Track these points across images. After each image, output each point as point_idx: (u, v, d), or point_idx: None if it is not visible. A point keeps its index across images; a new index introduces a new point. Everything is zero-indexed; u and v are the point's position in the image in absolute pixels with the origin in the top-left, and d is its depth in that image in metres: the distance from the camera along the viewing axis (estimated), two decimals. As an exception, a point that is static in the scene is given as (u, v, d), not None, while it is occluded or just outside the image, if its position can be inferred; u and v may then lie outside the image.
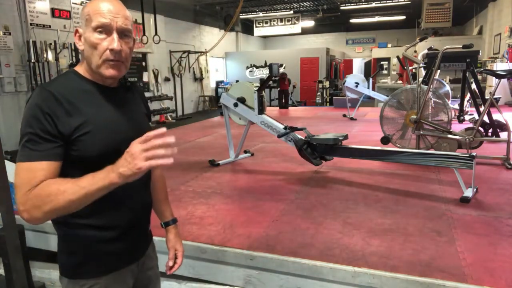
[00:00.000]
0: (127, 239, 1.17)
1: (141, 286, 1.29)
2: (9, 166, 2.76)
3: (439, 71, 4.22)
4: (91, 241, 1.11)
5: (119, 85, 1.19)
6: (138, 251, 1.25)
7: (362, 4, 12.99)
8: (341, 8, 13.54)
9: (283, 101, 12.40)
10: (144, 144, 0.89)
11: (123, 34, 1.12)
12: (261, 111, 3.85)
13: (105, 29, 1.07)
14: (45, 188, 0.96)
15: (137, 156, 0.89)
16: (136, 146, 0.90)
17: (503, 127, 4.00)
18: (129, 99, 1.22)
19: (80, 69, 1.13)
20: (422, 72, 5.06)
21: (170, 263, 1.36)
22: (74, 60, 7.55)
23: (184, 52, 11.75)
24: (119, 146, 1.02)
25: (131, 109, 1.20)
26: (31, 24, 6.85)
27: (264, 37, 18.45)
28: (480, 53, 4.44)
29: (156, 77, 10.65)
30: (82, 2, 8.06)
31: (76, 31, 1.11)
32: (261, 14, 14.27)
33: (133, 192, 1.12)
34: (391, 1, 12.46)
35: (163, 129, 0.91)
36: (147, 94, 10.17)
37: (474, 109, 4.45)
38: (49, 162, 1.00)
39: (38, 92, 1.04)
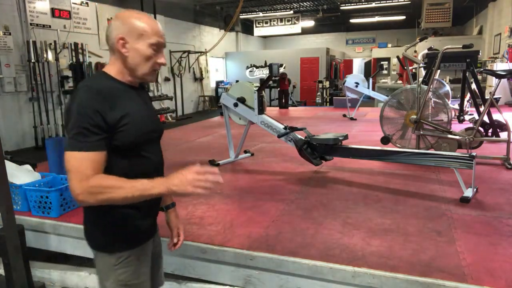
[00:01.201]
0: (150, 216, 1.40)
1: (153, 259, 1.49)
2: (9, 166, 2.76)
3: (439, 71, 4.22)
4: (126, 218, 1.30)
5: (139, 86, 1.40)
6: (155, 228, 1.49)
7: (362, 4, 12.99)
8: (341, 8, 13.54)
9: (283, 101, 12.40)
10: (198, 175, 1.13)
11: (163, 46, 1.38)
12: (261, 111, 3.85)
13: (158, 47, 1.32)
14: (104, 180, 1.16)
15: (190, 182, 1.12)
16: (191, 174, 1.13)
17: (503, 127, 4.00)
18: (147, 98, 1.45)
19: (111, 70, 1.31)
20: (422, 72, 5.06)
21: (175, 240, 1.56)
22: (74, 60, 7.54)
23: (184, 52, 11.75)
24: (147, 136, 1.30)
25: (150, 106, 1.45)
26: (31, 24, 6.85)
27: (264, 37, 18.45)
28: (480, 53, 4.44)
29: (156, 77, 10.65)
30: (82, 2, 8.06)
31: (122, 39, 1.27)
32: (261, 14, 14.27)
33: (158, 175, 1.26)
34: (391, 1, 12.47)
35: (216, 169, 1.17)
36: (147, 94, 10.18)
37: (474, 109, 4.45)
38: (96, 153, 1.17)
39: (86, 90, 1.22)
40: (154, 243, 1.49)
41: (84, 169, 1.15)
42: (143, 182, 1.16)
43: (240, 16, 13.44)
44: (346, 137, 3.47)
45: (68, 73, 7.52)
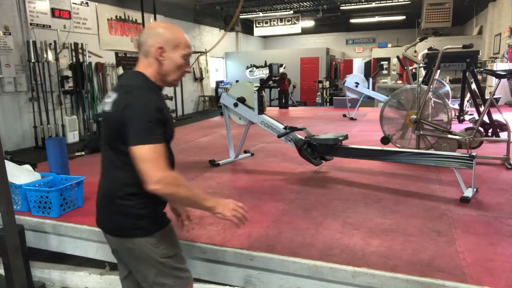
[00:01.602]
0: (165, 203, 1.57)
1: None
2: (9, 166, 2.76)
3: (439, 71, 4.22)
4: (156, 205, 1.50)
5: None
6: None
7: (362, 4, 12.99)
8: (341, 8, 13.53)
9: (283, 101, 12.39)
10: (237, 207, 1.47)
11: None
12: (261, 111, 3.86)
13: (188, 57, 1.55)
14: (179, 176, 1.38)
15: (230, 210, 1.45)
16: (232, 204, 1.47)
17: (503, 127, 4.00)
18: None
19: (148, 73, 1.49)
20: (422, 72, 5.06)
21: (186, 222, 1.81)
22: (74, 60, 7.54)
23: (184, 52, 11.75)
24: (172, 134, 1.54)
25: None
26: (31, 24, 6.85)
27: (264, 37, 18.44)
28: (480, 53, 4.44)
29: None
30: (82, 2, 8.06)
31: (161, 48, 1.47)
32: (261, 14, 14.26)
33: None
34: (391, 1, 12.46)
35: (245, 207, 1.50)
36: (147, 94, 10.18)
37: (474, 109, 4.45)
38: (163, 144, 1.37)
39: (145, 90, 1.43)
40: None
41: (161, 160, 1.35)
42: (201, 192, 1.45)
43: (240, 16, 13.43)
44: (346, 137, 3.47)
45: (68, 73, 7.52)
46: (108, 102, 1.47)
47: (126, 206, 1.46)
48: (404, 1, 12.32)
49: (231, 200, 1.49)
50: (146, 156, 1.32)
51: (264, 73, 14.95)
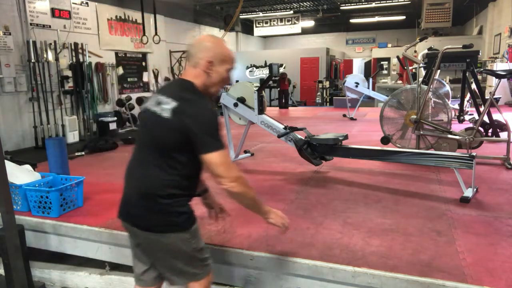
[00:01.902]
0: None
1: None
2: (9, 166, 2.76)
3: (439, 71, 4.22)
4: (186, 203, 1.63)
5: None
6: None
7: (362, 4, 12.98)
8: (341, 8, 13.53)
9: (283, 101, 12.39)
10: (284, 217, 1.78)
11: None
12: (261, 111, 3.85)
13: (231, 71, 1.69)
14: (246, 179, 1.61)
15: (280, 219, 1.77)
16: (281, 214, 1.78)
17: (503, 127, 4.00)
18: None
19: (197, 82, 1.63)
20: (422, 72, 5.06)
21: (220, 215, 2.02)
22: (74, 60, 7.54)
23: (184, 52, 11.74)
24: None
25: None
26: (31, 24, 6.85)
27: (264, 37, 18.44)
28: (480, 53, 4.44)
29: (156, 77, 10.64)
30: (82, 2, 8.06)
31: (210, 62, 1.61)
32: (261, 14, 14.26)
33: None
34: (391, 1, 12.45)
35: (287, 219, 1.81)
36: (147, 94, 10.17)
37: (474, 109, 4.45)
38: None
39: (206, 101, 1.61)
40: None
41: (232, 164, 1.58)
42: (260, 199, 1.73)
43: (240, 16, 13.43)
44: (346, 137, 3.47)
45: (68, 73, 7.52)
46: (165, 108, 1.54)
47: (166, 205, 1.56)
48: (404, 1, 12.32)
49: (278, 211, 1.79)
50: (221, 160, 1.53)
51: (264, 73, 14.94)
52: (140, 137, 1.70)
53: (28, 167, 3.09)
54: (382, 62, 14.53)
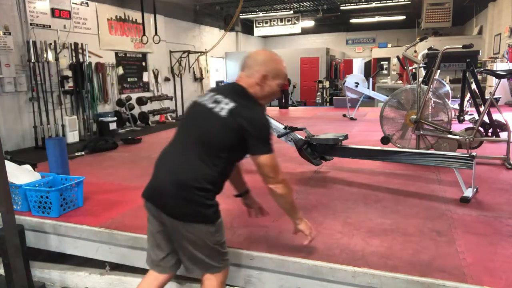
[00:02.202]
0: None
1: None
2: (9, 166, 2.76)
3: (439, 71, 4.22)
4: (215, 198, 1.72)
5: None
6: None
7: (362, 4, 12.98)
8: (341, 8, 13.53)
9: (283, 101, 12.39)
10: (312, 229, 1.94)
11: None
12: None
13: (282, 86, 1.85)
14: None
15: (309, 228, 1.93)
16: (310, 225, 1.95)
17: (503, 127, 4.00)
18: None
19: (252, 92, 1.77)
20: (422, 72, 5.06)
21: (260, 215, 2.16)
22: (74, 60, 7.55)
23: (184, 52, 11.74)
24: None
25: None
26: (31, 24, 6.85)
27: (264, 37, 18.44)
28: (480, 53, 4.44)
29: (156, 77, 10.64)
30: (82, 2, 8.06)
31: (265, 76, 1.76)
32: (261, 14, 14.26)
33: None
34: (391, 1, 12.45)
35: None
36: (147, 94, 10.17)
37: (474, 109, 4.45)
38: None
39: (261, 108, 1.81)
40: None
41: (280, 167, 1.77)
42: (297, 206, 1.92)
43: (240, 16, 13.42)
44: (346, 137, 3.47)
45: (68, 73, 7.52)
46: (223, 107, 1.68)
47: (200, 197, 1.64)
48: (404, 1, 12.31)
49: (308, 222, 1.95)
50: (271, 163, 1.71)
51: (264, 73, 14.92)
52: (185, 128, 1.79)
53: (28, 167, 3.09)
54: (382, 62, 14.54)
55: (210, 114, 1.68)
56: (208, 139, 1.67)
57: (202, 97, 1.79)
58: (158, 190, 1.70)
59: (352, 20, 16.17)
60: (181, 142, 1.75)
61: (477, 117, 4.04)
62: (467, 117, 4.84)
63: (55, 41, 7.18)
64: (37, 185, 2.82)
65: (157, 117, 10.14)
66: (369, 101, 9.92)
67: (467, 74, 4.30)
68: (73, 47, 7.57)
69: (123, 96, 8.99)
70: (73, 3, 7.85)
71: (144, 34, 8.43)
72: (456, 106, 5.35)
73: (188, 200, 1.63)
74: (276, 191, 1.76)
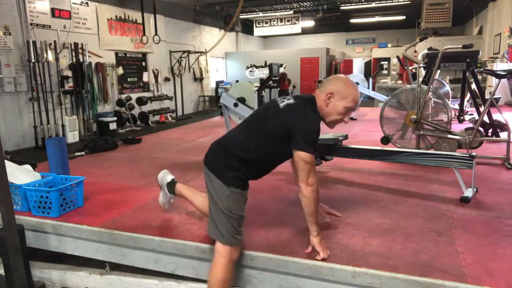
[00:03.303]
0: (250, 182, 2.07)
1: None
2: (9, 166, 2.76)
3: (439, 71, 4.22)
4: (244, 180, 1.97)
5: None
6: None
7: (362, 4, 12.98)
8: (341, 8, 13.53)
9: (283, 101, 12.34)
10: (324, 245, 2.00)
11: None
12: (261, 111, 3.85)
13: (349, 110, 1.94)
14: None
15: (321, 245, 1.98)
16: (324, 244, 2.01)
17: (503, 127, 4.00)
18: None
19: (318, 105, 1.95)
20: (422, 72, 5.06)
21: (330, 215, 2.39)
22: (74, 60, 7.55)
23: (184, 52, 11.74)
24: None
25: None
26: (31, 24, 6.85)
27: (264, 37, 18.45)
28: (480, 53, 4.44)
29: (156, 77, 10.64)
30: (82, 2, 8.06)
31: (331, 93, 1.91)
32: (261, 14, 14.26)
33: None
34: (391, 1, 12.45)
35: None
36: (147, 94, 10.17)
37: (474, 109, 4.45)
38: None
39: (319, 118, 1.95)
40: None
41: (315, 171, 1.90)
42: (318, 218, 1.99)
43: (240, 16, 13.42)
44: (346, 137, 3.47)
45: (68, 73, 7.52)
46: (284, 101, 1.93)
47: (229, 160, 1.91)
48: (404, 1, 12.32)
49: (323, 241, 2.02)
50: (307, 161, 1.84)
51: (264, 73, 14.94)
52: (251, 114, 2.13)
53: (28, 167, 3.09)
54: (382, 62, 14.55)
55: (273, 104, 1.96)
56: (261, 123, 1.95)
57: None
58: (209, 151, 2.04)
59: (352, 20, 16.17)
60: (243, 122, 2.07)
61: (477, 117, 4.04)
62: (467, 117, 4.85)
63: (55, 41, 7.19)
64: (37, 185, 2.82)
65: (157, 117, 10.15)
66: (369, 101, 9.92)
67: (467, 74, 4.30)
68: (73, 47, 7.57)
69: (123, 96, 8.99)
70: (73, 3, 7.86)
71: (144, 34, 8.44)
72: (456, 106, 5.35)
73: (222, 159, 1.93)
74: (302, 190, 1.88)
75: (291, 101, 1.93)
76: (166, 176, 2.55)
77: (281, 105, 1.91)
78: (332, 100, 1.91)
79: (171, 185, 2.51)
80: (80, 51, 7.67)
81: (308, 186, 1.87)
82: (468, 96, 5.32)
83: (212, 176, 1.92)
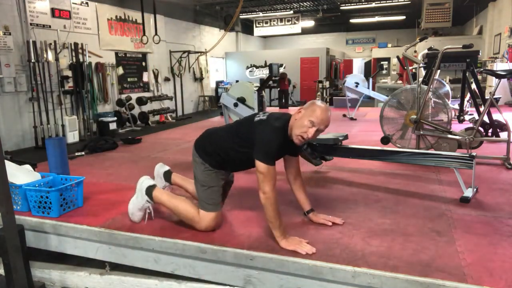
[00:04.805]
0: (226, 173, 2.51)
1: (225, 183, 2.52)
2: (9, 166, 2.76)
3: (439, 71, 4.22)
4: (217, 165, 2.37)
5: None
6: (229, 175, 2.61)
7: (362, 4, 12.99)
8: (341, 8, 13.54)
9: (283, 101, 12.39)
10: (300, 243, 2.08)
11: (319, 131, 2.14)
12: (261, 111, 3.85)
13: (312, 127, 2.08)
14: (276, 201, 2.16)
15: (293, 245, 2.07)
16: (297, 241, 2.10)
17: (503, 127, 4.00)
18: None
19: (291, 122, 2.16)
20: (422, 72, 5.06)
21: (329, 223, 2.41)
22: (74, 60, 7.55)
23: (184, 52, 11.75)
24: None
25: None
26: (31, 24, 6.85)
27: (264, 37, 18.45)
28: (480, 53, 4.44)
29: (156, 77, 10.65)
30: (82, 2, 8.06)
31: (300, 110, 2.16)
32: (261, 14, 14.27)
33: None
34: (391, 1, 12.46)
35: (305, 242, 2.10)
36: (147, 94, 10.17)
37: (474, 109, 4.45)
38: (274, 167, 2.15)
39: (283, 132, 2.15)
40: (229, 177, 2.57)
41: (272, 180, 2.12)
42: (279, 224, 2.12)
43: (240, 16, 13.44)
44: (346, 137, 3.47)
45: (68, 73, 7.53)
46: (259, 117, 2.22)
47: (209, 149, 2.34)
48: (404, 1, 12.32)
49: (296, 237, 2.11)
50: (262, 170, 2.07)
51: (264, 73, 14.95)
52: (237, 121, 2.51)
53: (28, 167, 3.09)
54: (382, 62, 14.56)
55: (251, 117, 2.29)
56: (239, 131, 2.29)
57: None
58: (201, 134, 2.48)
59: (352, 20, 16.18)
60: (231, 124, 2.47)
61: (477, 117, 4.04)
62: (467, 117, 4.85)
63: (55, 41, 7.19)
64: (37, 185, 2.82)
65: (157, 117, 10.15)
66: (369, 101, 9.92)
67: (467, 74, 4.30)
68: (73, 47, 7.58)
69: (123, 96, 9.00)
70: (73, 3, 7.86)
71: (144, 34, 8.44)
72: (456, 106, 5.35)
73: (204, 143, 2.39)
74: (260, 198, 2.09)
75: (264, 117, 2.19)
76: (163, 167, 2.90)
77: (255, 119, 2.20)
78: (300, 114, 2.12)
79: (168, 174, 2.84)
80: (80, 51, 7.68)
81: (262, 194, 2.07)
82: (468, 96, 5.32)
83: (196, 155, 2.37)
